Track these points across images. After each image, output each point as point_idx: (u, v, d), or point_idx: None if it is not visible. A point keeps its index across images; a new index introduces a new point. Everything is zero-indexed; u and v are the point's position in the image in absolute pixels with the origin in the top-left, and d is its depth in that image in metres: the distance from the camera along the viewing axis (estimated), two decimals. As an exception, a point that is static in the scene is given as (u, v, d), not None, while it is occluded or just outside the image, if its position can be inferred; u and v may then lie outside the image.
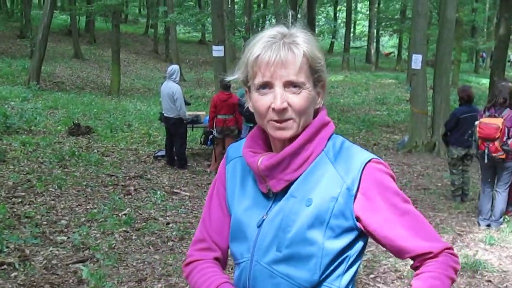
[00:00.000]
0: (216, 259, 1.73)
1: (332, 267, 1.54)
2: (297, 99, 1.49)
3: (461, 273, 5.43)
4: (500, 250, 6.31)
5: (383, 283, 5.15)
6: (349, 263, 1.56)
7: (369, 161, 1.51)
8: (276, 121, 1.50)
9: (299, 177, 1.55)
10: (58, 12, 34.10)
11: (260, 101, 1.52)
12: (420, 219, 1.56)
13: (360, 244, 1.58)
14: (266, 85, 1.50)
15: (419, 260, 1.55)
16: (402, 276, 5.32)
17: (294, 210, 1.53)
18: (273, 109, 1.49)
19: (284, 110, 1.49)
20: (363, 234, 1.55)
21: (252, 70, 1.53)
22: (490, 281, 5.31)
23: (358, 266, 1.62)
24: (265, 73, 1.49)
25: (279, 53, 1.48)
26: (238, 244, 1.66)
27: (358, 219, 1.51)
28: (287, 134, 1.52)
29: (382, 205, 1.50)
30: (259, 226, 1.59)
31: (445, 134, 8.60)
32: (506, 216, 7.35)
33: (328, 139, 1.58)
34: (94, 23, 34.58)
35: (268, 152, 1.62)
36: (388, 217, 1.50)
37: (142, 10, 49.88)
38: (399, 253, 1.55)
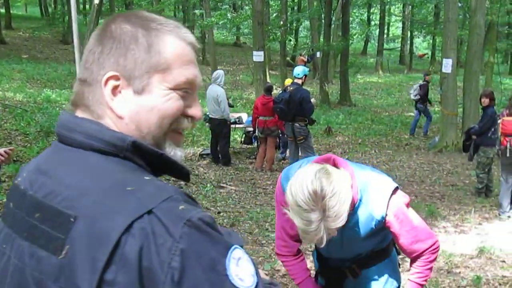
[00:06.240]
0: (296, 250, 2.74)
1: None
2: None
3: (479, 255, 6.21)
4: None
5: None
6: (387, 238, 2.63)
7: (389, 200, 2.35)
8: None
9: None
10: (100, 19, 35.29)
11: None
12: (415, 230, 2.44)
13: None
14: None
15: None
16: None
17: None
18: None
19: None
20: None
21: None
22: (504, 261, 6.05)
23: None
24: None
25: (323, 237, 2.07)
26: None
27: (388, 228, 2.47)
28: None
29: (395, 224, 2.41)
30: None
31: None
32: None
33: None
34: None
35: None
36: (397, 231, 2.43)
37: (177, 13, 50.95)
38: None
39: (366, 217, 2.37)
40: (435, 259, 2.54)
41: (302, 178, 2.08)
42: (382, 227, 2.44)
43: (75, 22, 8.47)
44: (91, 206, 0.99)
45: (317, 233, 2.05)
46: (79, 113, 1.16)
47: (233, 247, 1.02)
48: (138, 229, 0.95)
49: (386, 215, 2.37)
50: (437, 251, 2.54)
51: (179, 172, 1.19)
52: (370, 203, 2.35)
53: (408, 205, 2.45)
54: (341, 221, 2.05)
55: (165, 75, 1.13)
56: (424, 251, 2.48)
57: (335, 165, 2.29)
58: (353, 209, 2.32)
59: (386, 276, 2.67)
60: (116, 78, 1.11)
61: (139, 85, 1.12)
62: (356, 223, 2.38)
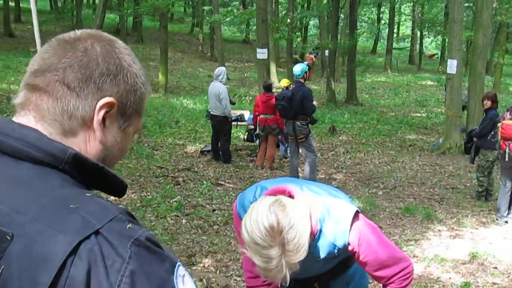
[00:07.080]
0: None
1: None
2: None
3: (471, 261, 6.15)
4: (513, 244, 6.94)
5: None
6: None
7: (350, 228, 2.28)
8: None
9: None
10: (107, 12, 35.27)
11: None
12: (381, 256, 2.30)
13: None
14: None
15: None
16: None
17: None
18: None
19: None
20: None
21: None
22: (496, 268, 5.98)
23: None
24: None
25: (286, 274, 1.97)
26: None
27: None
28: None
29: (359, 251, 2.31)
30: None
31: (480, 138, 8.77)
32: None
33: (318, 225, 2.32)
34: (142, 22, 35.62)
35: None
36: (361, 258, 2.32)
37: (187, 9, 50.90)
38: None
39: (328, 246, 2.29)
40: (407, 285, 2.39)
41: (256, 214, 1.99)
42: (346, 250, 2.35)
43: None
44: (29, 223, 0.91)
45: (279, 270, 1.95)
46: (29, 121, 1.06)
47: (177, 264, 0.99)
48: (86, 250, 0.89)
49: (349, 243, 2.28)
50: (409, 276, 2.39)
51: (117, 186, 1.13)
52: (331, 232, 2.26)
53: (372, 227, 2.36)
54: (302, 254, 1.97)
55: (138, 120, 1.17)
56: (393, 277, 2.36)
57: (290, 196, 2.18)
58: (314, 240, 2.23)
59: (355, 280, 2.65)
60: (112, 105, 1.08)
61: (125, 123, 1.13)
62: (318, 254, 2.29)
